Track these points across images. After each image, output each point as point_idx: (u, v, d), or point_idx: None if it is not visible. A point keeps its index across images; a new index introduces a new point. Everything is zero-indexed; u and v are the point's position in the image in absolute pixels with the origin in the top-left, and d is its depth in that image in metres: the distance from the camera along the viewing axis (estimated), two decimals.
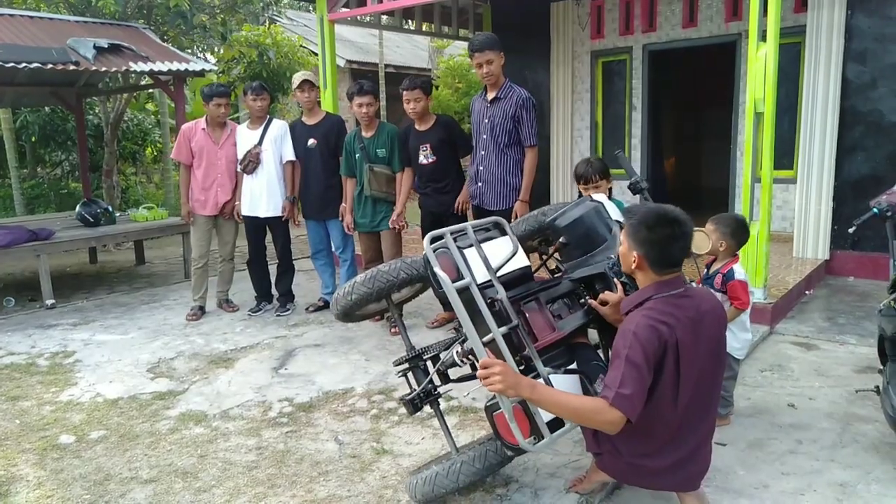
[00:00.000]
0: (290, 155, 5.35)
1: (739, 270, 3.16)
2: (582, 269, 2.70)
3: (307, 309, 5.55)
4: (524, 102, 4.34)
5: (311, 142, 5.27)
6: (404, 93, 4.69)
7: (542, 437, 2.21)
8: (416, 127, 4.83)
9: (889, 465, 2.87)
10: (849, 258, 6.06)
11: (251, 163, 5.29)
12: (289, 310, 5.57)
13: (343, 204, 5.22)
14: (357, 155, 4.96)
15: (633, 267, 2.29)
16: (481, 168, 4.53)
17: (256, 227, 5.48)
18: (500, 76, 4.38)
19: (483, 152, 4.50)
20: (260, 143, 5.29)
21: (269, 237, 5.62)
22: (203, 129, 5.41)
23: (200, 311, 5.57)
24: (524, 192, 4.44)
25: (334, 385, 3.99)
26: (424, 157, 4.78)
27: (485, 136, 4.48)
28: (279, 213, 5.37)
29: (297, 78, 5.33)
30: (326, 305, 5.46)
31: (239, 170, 5.38)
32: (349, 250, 5.44)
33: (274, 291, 5.69)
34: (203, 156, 5.40)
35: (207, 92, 5.39)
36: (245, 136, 5.40)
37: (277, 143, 5.32)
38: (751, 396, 3.62)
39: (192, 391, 4.00)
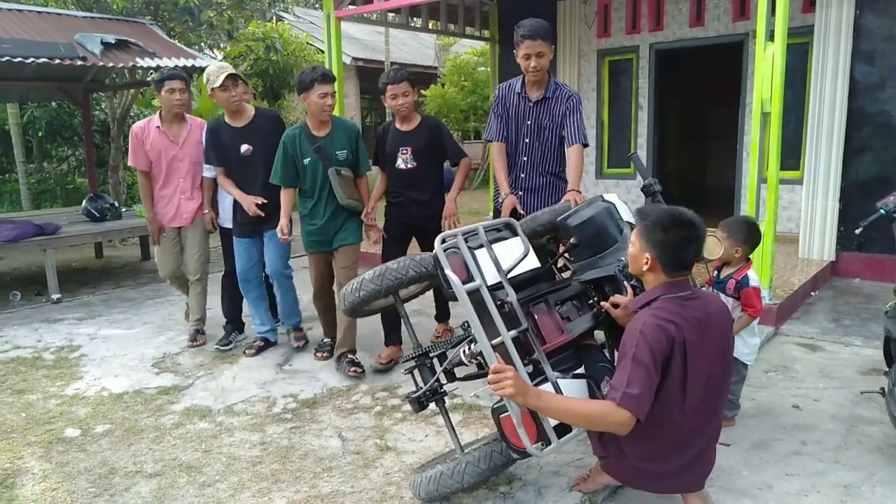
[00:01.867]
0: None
1: (754, 277, 3.12)
2: (592, 270, 2.69)
3: (245, 352, 4.52)
4: (577, 101, 3.83)
5: (244, 148, 4.24)
6: (389, 87, 4.00)
7: (550, 443, 2.21)
8: (398, 126, 4.18)
9: (894, 466, 2.86)
10: (855, 259, 6.04)
11: None
12: (230, 342, 4.66)
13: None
14: (307, 160, 3.95)
15: (644, 268, 2.27)
16: (522, 176, 3.94)
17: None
18: (546, 72, 3.79)
19: (525, 158, 3.91)
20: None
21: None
22: (158, 126, 4.55)
23: (201, 336, 4.81)
24: (576, 183, 3.78)
25: (338, 381, 3.99)
26: (403, 161, 4.14)
27: (528, 140, 3.88)
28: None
29: (215, 73, 4.15)
30: (267, 345, 4.60)
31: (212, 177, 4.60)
32: (289, 270, 4.46)
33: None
34: (161, 159, 4.55)
35: (158, 78, 4.55)
36: None
37: None
38: (755, 397, 3.61)
39: (196, 386, 4.01)
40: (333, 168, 3.95)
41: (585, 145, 3.80)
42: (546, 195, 3.95)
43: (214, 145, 4.36)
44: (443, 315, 4.70)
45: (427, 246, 4.22)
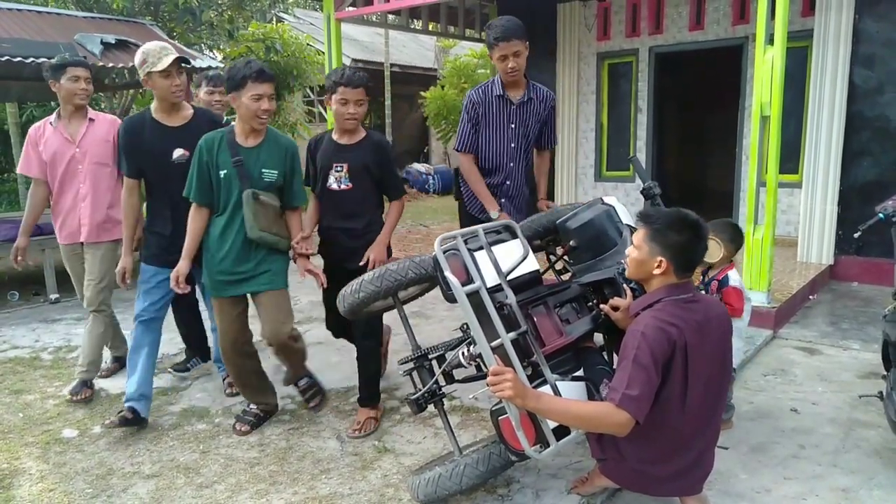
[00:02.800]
0: None
1: (734, 277, 3.16)
2: (591, 273, 2.69)
3: (105, 424, 3.40)
4: (554, 104, 3.76)
5: (179, 153, 3.40)
6: (341, 88, 3.22)
7: (548, 445, 2.21)
8: (336, 138, 3.39)
9: (891, 470, 2.86)
10: (853, 263, 6.05)
11: None
12: (189, 369, 4.14)
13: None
14: (223, 172, 3.13)
15: (655, 272, 2.26)
16: (508, 182, 3.73)
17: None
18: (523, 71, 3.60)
19: (511, 164, 3.71)
20: None
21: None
22: (51, 124, 3.91)
23: (87, 389, 3.83)
24: (545, 190, 3.95)
25: (337, 383, 3.99)
26: (336, 180, 3.34)
27: (513, 145, 3.67)
28: None
29: (157, 53, 3.31)
30: (134, 420, 3.36)
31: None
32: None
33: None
34: (56, 162, 3.86)
35: (57, 63, 3.78)
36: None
37: None
38: (753, 400, 3.61)
39: (194, 387, 4.01)
40: (251, 190, 3.09)
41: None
42: (521, 201, 3.80)
43: (131, 147, 3.44)
44: (369, 397, 3.48)
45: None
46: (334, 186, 3.36)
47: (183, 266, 3.21)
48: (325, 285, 3.33)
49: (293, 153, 3.29)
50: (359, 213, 3.40)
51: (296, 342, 3.34)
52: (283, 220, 3.29)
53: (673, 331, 2.14)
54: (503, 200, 3.76)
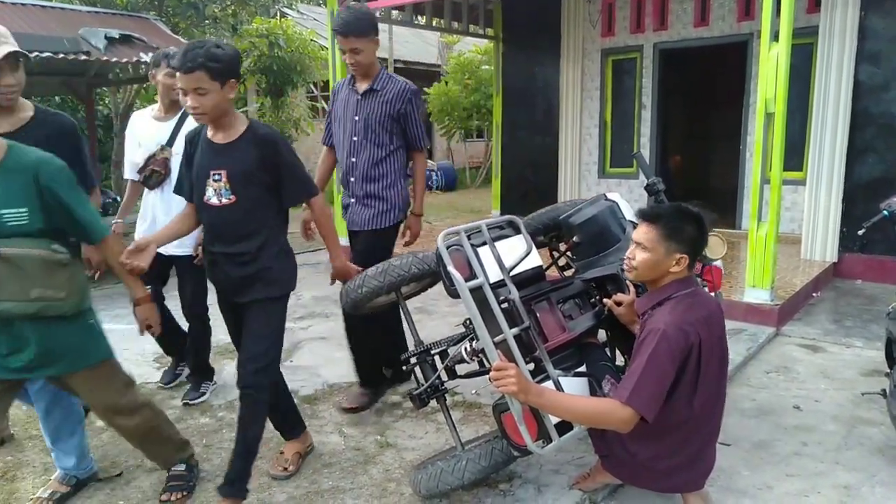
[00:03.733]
0: None
1: None
2: (594, 269, 2.70)
3: None
4: (412, 97, 3.34)
5: None
6: (180, 76, 2.40)
7: (551, 440, 2.22)
8: (210, 135, 2.56)
9: (894, 468, 2.86)
10: (857, 261, 6.04)
11: (156, 173, 3.44)
12: (204, 393, 3.70)
13: None
14: None
15: (672, 270, 2.24)
16: (352, 179, 3.42)
17: (160, 265, 3.35)
18: (373, 64, 3.32)
19: (354, 159, 3.39)
20: (171, 143, 3.44)
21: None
22: None
23: None
24: (419, 204, 3.55)
25: (339, 378, 4.00)
26: (215, 192, 2.52)
27: (356, 139, 3.36)
28: (191, 252, 3.38)
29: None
30: (78, 487, 2.81)
31: (136, 180, 3.55)
32: None
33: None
34: None
35: None
36: (148, 132, 3.51)
37: None
38: (756, 397, 3.61)
39: None
40: None
41: (424, 148, 3.52)
42: (375, 204, 3.41)
43: None
44: (291, 428, 3.03)
45: (250, 324, 2.62)
46: (214, 201, 2.52)
47: None
48: (155, 333, 2.62)
49: (51, 173, 2.16)
50: (247, 233, 2.55)
51: (140, 417, 2.60)
52: (63, 271, 2.21)
53: (691, 330, 2.15)
54: (352, 200, 3.49)
